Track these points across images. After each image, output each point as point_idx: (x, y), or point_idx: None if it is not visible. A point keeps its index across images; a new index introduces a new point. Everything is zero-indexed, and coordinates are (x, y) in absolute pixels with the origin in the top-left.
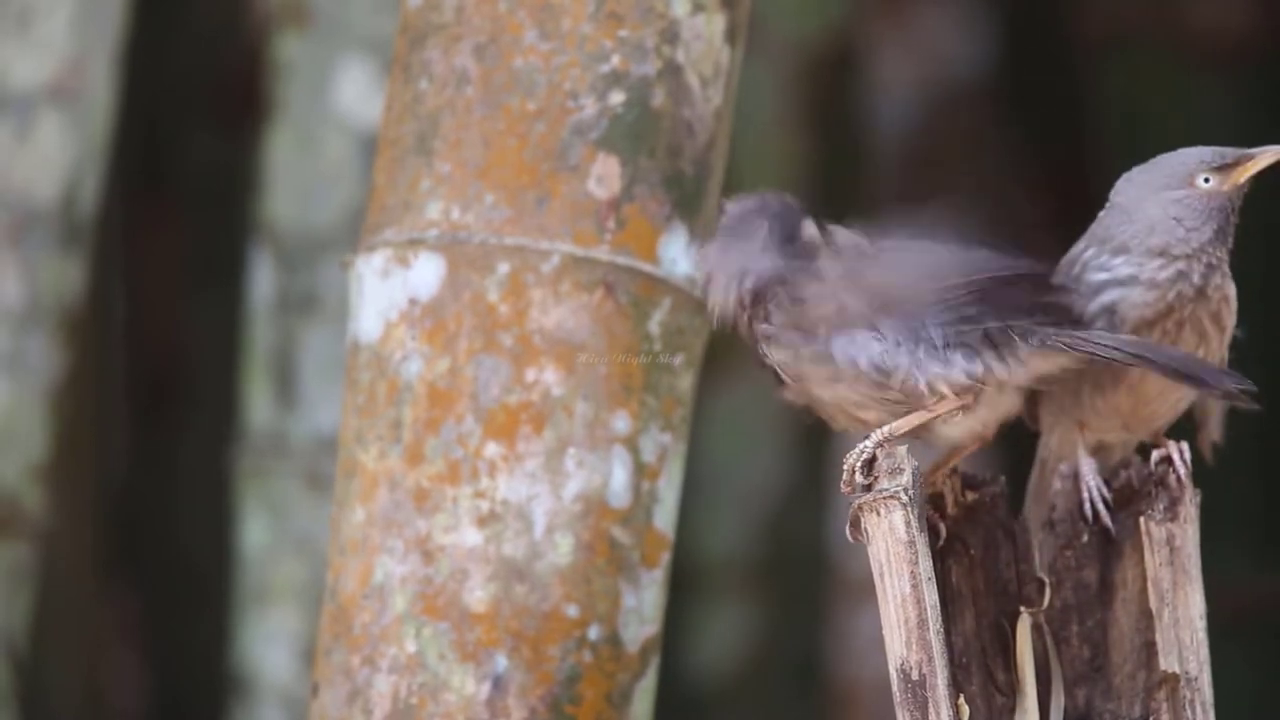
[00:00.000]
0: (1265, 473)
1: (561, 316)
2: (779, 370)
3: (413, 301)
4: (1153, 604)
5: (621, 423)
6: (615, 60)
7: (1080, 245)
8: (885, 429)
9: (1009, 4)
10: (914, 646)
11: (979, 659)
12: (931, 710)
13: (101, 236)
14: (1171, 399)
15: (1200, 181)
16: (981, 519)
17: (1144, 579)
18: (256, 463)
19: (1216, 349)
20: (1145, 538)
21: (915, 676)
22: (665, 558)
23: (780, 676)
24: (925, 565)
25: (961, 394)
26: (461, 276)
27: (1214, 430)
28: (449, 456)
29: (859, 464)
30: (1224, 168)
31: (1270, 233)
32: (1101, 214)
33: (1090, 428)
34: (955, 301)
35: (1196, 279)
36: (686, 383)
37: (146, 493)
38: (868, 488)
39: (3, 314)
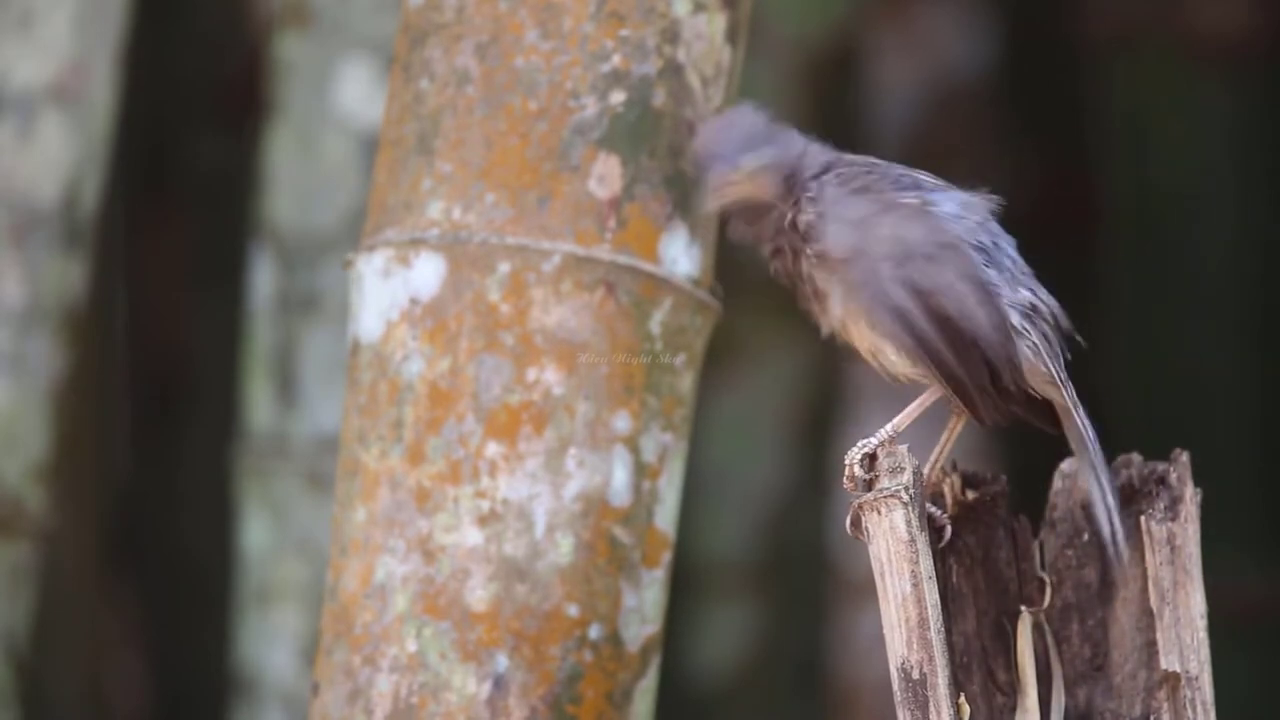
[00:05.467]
0: (1266, 472)
1: (563, 316)
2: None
3: (414, 301)
4: (1153, 603)
5: (622, 422)
6: (616, 60)
7: None
8: (888, 426)
9: (1011, 4)
10: (915, 646)
11: (980, 658)
12: (932, 709)
13: (103, 237)
14: None
15: None
16: (982, 518)
17: (1145, 578)
18: (258, 463)
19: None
20: (1146, 537)
21: (916, 676)
22: (666, 557)
23: (781, 676)
24: (926, 564)
25: None
26: (463, 276)
27: None
28: (450, 456)
29: (859, 459)
30: None
31: (1266, 233)
32: None
33: None
34: None
35: None
36: (687, 382)
37: (148, 493)
38: (869, 485)
39: (4, 314)
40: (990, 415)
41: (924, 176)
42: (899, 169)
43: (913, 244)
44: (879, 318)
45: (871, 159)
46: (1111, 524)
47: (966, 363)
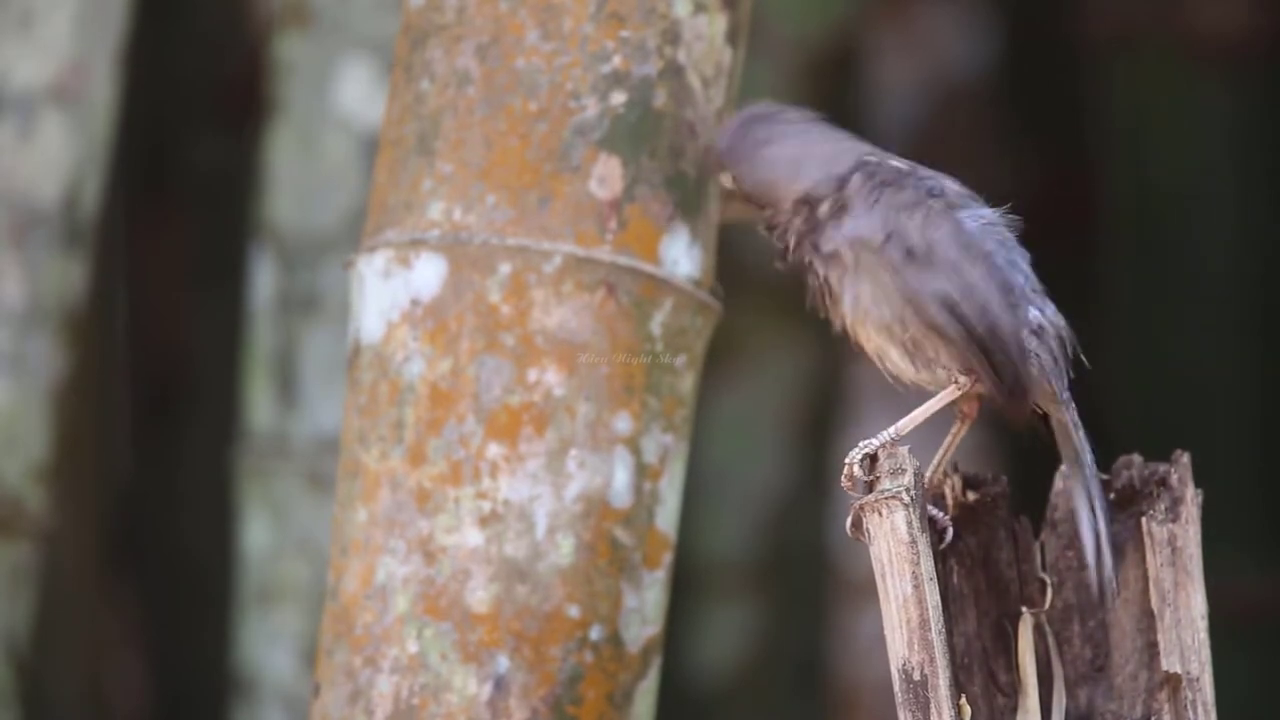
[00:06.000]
0: (1266, 472)
1: (563, 317)
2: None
3: (414, 302)
4: (1154, 604)
5: (623, 423)
6: (617, 60)
7: None
8: (890, 429)
9: (1010, 4)
10: (916, 647)
11: (981, 659)
12: (933, 711)
13: (103, 237)
14: None
15: None
16: (983, 519)
17: (1146, 579)
18: (258, 463)
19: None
20: (1147, 538)
21: (917, 677)
22: (667, 558)
23: (782, 677)
24: (927, 565)
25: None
26: (463, 277)
27: None
28: (451, 457)
29: (859, 460)
30: None
31: (1266, 233)
32: None
33: None
34: None
35: None
36: (688, 383)
37: (148, 493)
38: (869, 486)
39: (5, 315)
40: (1022, 412)
41: (950, 183)
42: (927, 172)
43: (937, 241)
44: (924, 306)
45: (900, 162)
46: (1099, 549)
47: (997, 359)
